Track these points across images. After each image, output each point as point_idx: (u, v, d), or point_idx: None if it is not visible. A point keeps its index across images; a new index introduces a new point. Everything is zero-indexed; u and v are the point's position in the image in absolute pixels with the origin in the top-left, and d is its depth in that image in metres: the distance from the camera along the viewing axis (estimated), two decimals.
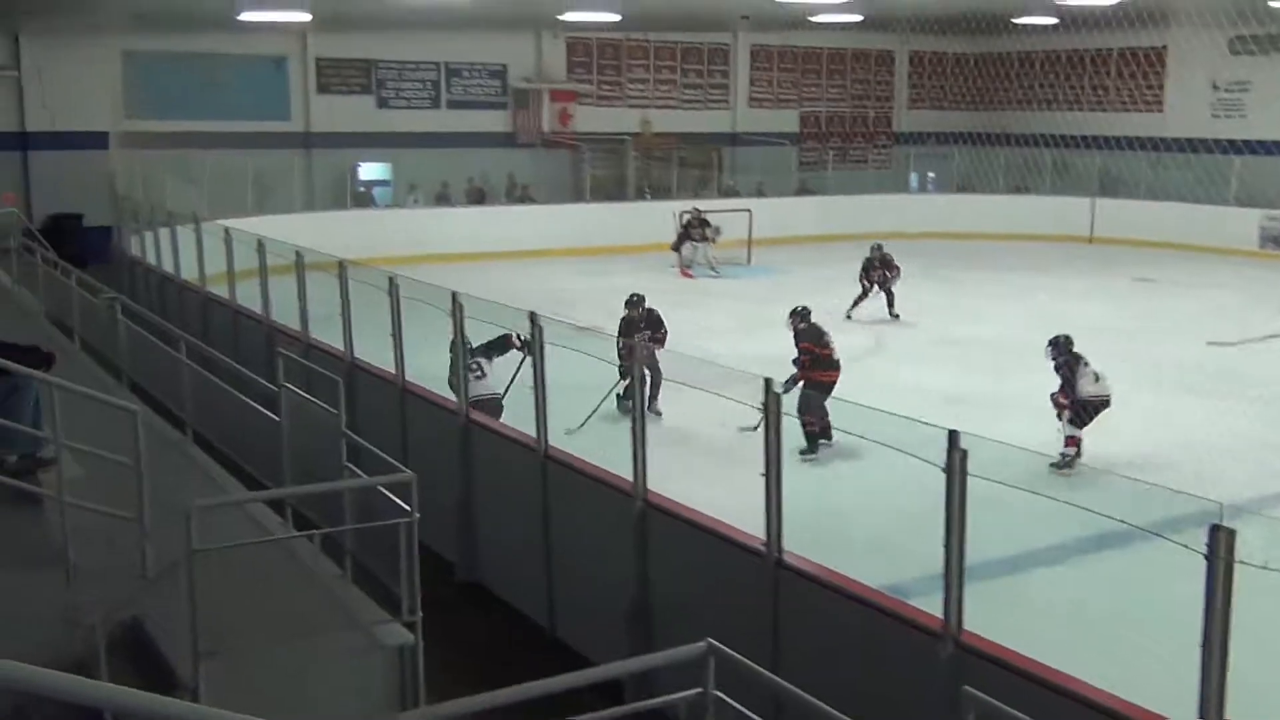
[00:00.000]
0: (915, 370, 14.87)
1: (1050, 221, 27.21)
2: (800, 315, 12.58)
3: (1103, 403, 11.37)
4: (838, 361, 12.01)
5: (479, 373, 10.33)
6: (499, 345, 10.70)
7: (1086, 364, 11.50)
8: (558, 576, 8.53)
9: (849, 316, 18.08)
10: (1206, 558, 4.53)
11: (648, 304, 13.70)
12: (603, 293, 20.60)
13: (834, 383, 11.68)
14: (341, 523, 6.64)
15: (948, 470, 5.53)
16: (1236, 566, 4.57)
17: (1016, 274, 22.63)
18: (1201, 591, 4.60)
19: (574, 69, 30.12)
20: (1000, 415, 12.35)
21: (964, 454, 5.54)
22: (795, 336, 12.26)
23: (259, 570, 6.34)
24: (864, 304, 18.43)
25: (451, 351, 10.14)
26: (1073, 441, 11.27)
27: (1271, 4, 19.00)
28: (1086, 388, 11.43)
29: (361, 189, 27.58)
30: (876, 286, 18.48)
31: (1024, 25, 26.50)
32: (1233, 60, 26.43)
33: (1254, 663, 5.34)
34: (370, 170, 28.03)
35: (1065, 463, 10.94)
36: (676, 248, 23.48)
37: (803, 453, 11.15)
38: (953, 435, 5.56)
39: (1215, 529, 4.51)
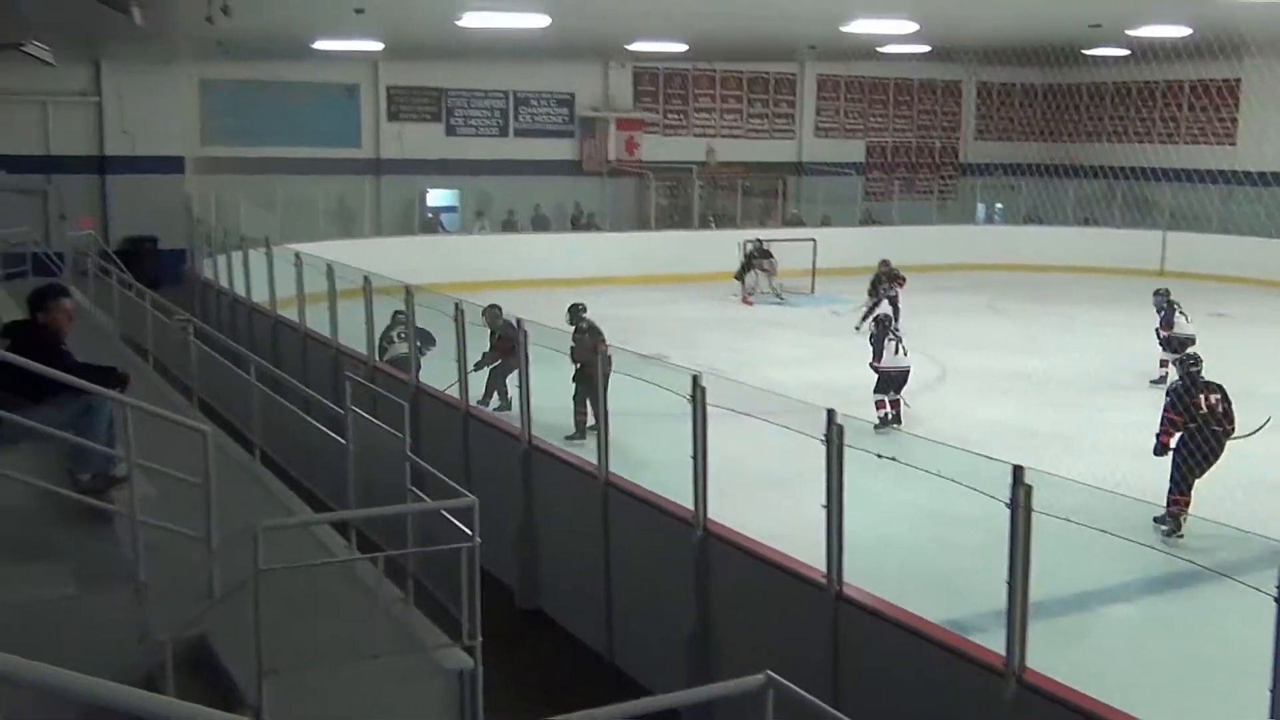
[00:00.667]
0: (980, 403, 14.73)
1: (1120, 255, 26.84)
2: (580, 312, 13.76)
3: (900, 373, 13.76)
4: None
5: (398, 341, 13.20)
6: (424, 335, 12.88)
7: (893, 339, 13.85)
8: (617, 604, 8.54)
9: (858, 329, 19.15)
10: (1277, 600, 4.45)
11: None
12: (667, 321, 20.68)
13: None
14: (404, 546, 6.69)
15: (1012, 506, 5.49)
16: None
17: (1085, 307, 22.34)
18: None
19: (640, 98, 30.30)
20: (1067, 450, 12.20)
21: (1029, 489, 5.49)
22: (589, 334, 12.89)
23: (323, 591, 6.42)
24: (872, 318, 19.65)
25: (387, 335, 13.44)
26: (880, 405, 13.58)
27: None
28: (887, 359, 13.80)
29: (429, 215, 27.92)
30: (886, 300, 19.53)
31: (1094, 56, 26.27)
32: None
33: None
34: (438, 197, 28.38)
35: (881, 424, 13.05)
36: (740, 276, 23.52)
37: (569, 437, 12.03)
38: (1017, 470, 5.52)
39: None
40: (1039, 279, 26.04)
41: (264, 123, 25.99)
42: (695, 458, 7.62)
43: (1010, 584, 5.55)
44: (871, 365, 13.96)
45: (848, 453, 6.69)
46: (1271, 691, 4.53)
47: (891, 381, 13.74)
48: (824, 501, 6.65)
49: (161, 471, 6.74)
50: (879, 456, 6.38)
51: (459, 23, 18.15)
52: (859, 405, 13.01)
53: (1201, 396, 10.25)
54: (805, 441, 6.96)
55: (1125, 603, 9.11)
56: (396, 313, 13.50)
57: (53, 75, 23.71)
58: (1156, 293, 16.77)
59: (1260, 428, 10.60)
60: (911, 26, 20.20)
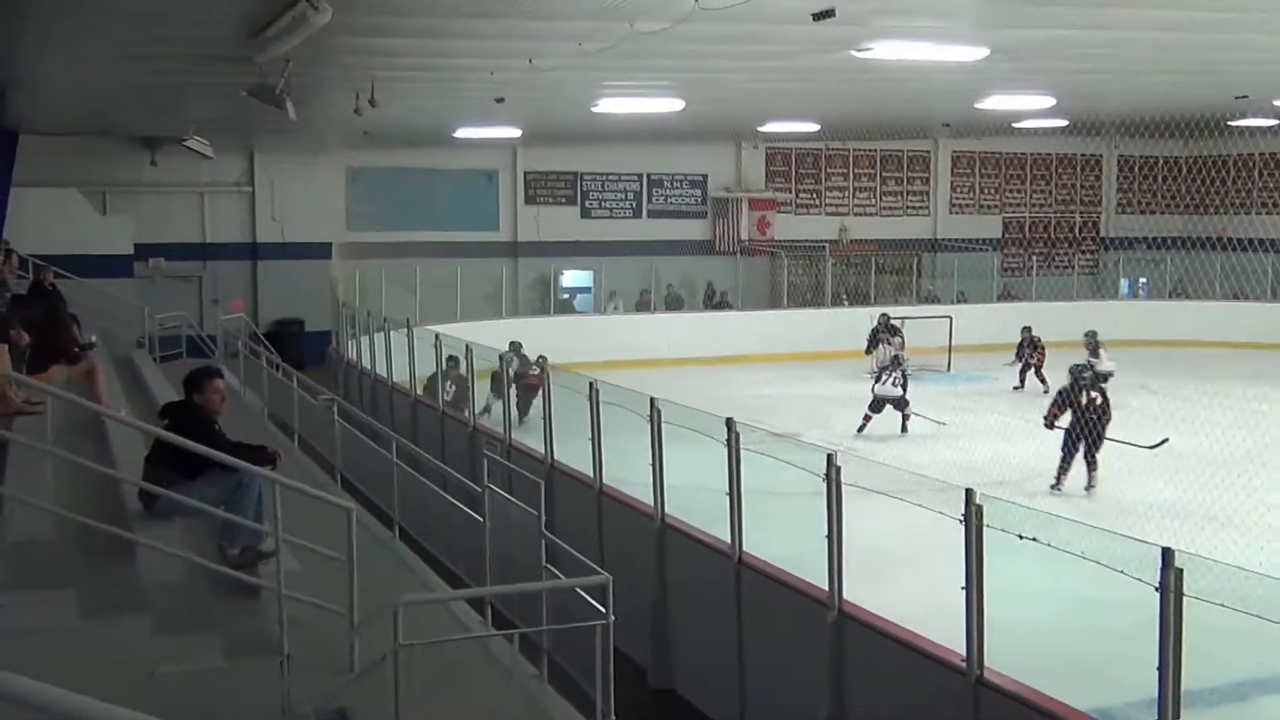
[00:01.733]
0: (1128, 483, 14.26)
1: (1272, 330, 25.85)
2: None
3: (888, 399, 17.65)
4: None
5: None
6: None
7: (890, 373, 17.93)
8: (751, 684, 8.44)
9: (1016, 389, 21.78)
10: None
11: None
12: (800, 399, 20.57)
13: None
14: (538, 623, 6.74)
15: (1161, 589, 5.30)
16: None
17: (1235, 384, 21.49)
18: None
19: (773, 178, 30.47)
20: (1219, 531, 11.71)
21: (1179, 572, 5.30)
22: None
23: (459, 667, 6.49)
24: (1026, 379, 21.95)
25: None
26: (867, 418, 17.61)
27: None
28: (878, 387, 17.80)
29: (565, 296, 28.38)
30: (1033, 368, 21.85)
31: (1242, 127, 25.57)
32: None
33: None
34: (573, 278, 28.86)
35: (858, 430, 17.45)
36: (870, 350, 23.34)
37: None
38: (1166, 553, 5.34)
39: None
40: (1188, 355, 25.21)
41: (407, 208, 26.92)
42: (830, 538, 7.54)
43: (1161, 671, 5.34)
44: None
45: (987, 533, 6.55)
46: None
47: (879, 403, 17.67)
48: (963, 583, 6.50)
49: (306, 547, 6.91)
50: (1020, 537, 6.22)
51: (594, 109, 18.57)
52: (998, 485, 12.74)
53: (1083, 395, 14.43)
54: (941, 521, 6.83)
55: None
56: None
57: (210, 167, 24.99)
58: (1086, 333, 20.52)
59: (1159, 444, 14.56)
60: (1049, 101, 19.98)
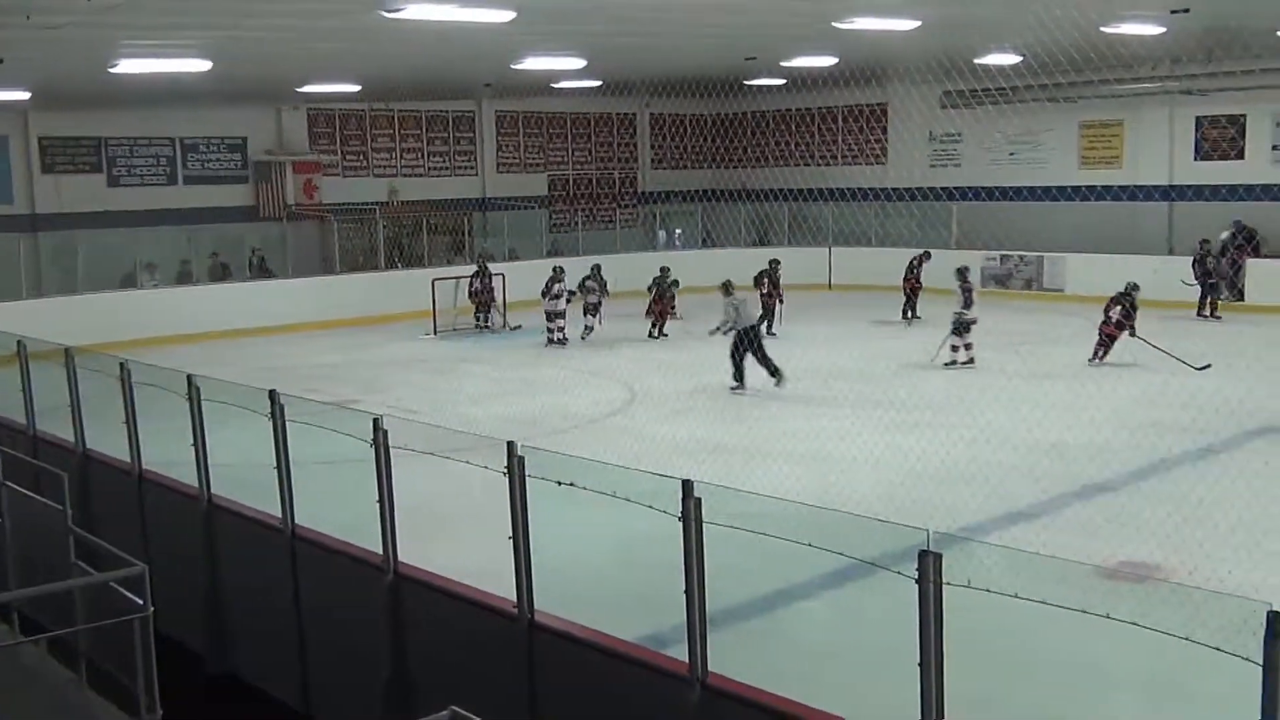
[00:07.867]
0: (669, 422, 15.22)
1: (791, 272, 28.26)
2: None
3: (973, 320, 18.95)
4: None
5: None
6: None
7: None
8: (313, 657, 8.34)
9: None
10: (917, 582, 4.84)
11: None
12: (357, 366, 20.34)
13: None
14: (75, 624, 6.32)
15: (684, 518, 5.73)
16: (948, 588, 4.90)
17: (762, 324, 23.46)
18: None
19: (316, 140, 29.74)
20: (752, 462, 12.78)
21: (698, 501, 5.75)
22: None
23: None
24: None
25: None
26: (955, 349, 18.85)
27: (976, 61, 20.50)
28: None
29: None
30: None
31: (755, 87, 27.74)
32: (946, 114, 28.34)
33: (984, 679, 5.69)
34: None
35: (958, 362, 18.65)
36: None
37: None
38: (686, 484, 5.77)
39: (924, 554, 4.84)
40: (718, 299, 27.11)
41: None
42: (381, 501, 7.56)
43: (687, 593, 5.79)
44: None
45: (535, 483, 6.80)
46: (920, 666, 4.92)
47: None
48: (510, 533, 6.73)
49: None
50: (559, 484, 6.50)
51: (113, 70, 17.31)
52: (547, 435, 13.24)
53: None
54: (499, 475, 7.00)
55: (810, 599, 9.61)
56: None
57: None
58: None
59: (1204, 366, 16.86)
60: (580, 63, 20.75)
